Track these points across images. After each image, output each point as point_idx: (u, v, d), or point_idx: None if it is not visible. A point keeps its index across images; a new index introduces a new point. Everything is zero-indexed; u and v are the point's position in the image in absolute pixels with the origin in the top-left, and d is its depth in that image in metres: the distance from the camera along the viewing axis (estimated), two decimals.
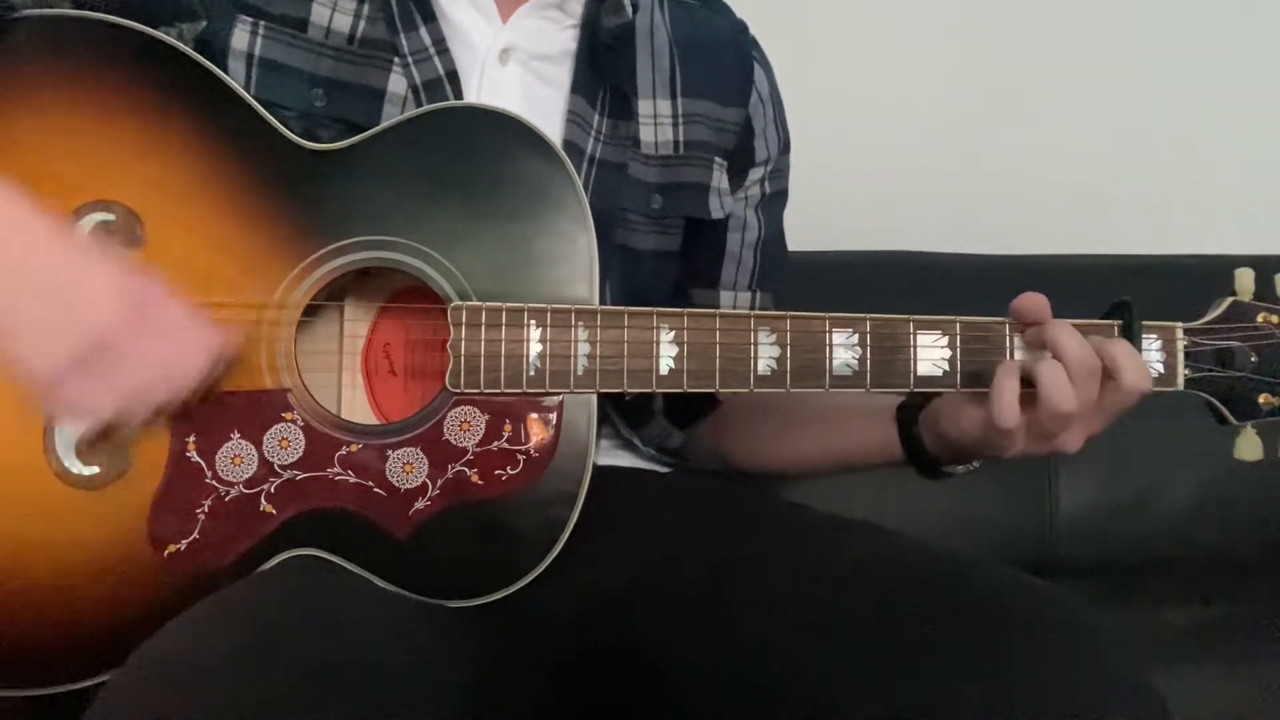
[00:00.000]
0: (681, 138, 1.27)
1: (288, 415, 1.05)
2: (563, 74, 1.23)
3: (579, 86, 1.22)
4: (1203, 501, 1.86)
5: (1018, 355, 1.11)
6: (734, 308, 1.37)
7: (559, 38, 1.24)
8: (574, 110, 1.21)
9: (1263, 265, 1.18)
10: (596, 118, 1.22)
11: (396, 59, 1.16)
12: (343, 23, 1.17)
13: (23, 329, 0.94)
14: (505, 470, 1.06)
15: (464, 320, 1.06)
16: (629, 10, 1.25)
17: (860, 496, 1.46)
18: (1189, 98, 2.18)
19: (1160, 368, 1.13)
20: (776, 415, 1.31)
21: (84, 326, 0.94)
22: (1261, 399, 1.14)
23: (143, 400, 0.98)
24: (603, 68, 1.24)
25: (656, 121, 1.26)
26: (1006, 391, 1.07)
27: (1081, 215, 2.15)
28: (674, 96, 1.28)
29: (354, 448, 1.05)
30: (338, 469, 1.05)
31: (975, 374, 1.10)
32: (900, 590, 1.00)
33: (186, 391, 1.00)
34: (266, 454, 1.05)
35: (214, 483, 1.04)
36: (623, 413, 1.28)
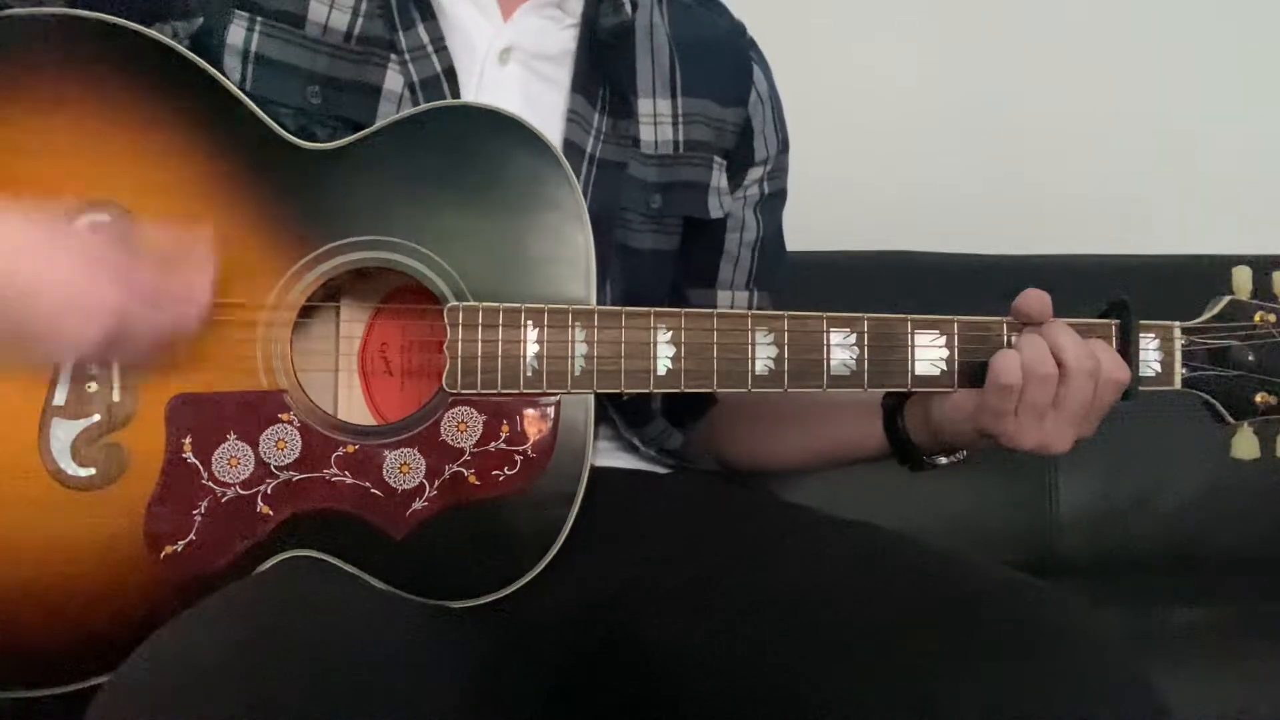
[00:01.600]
0: (681, 137, 1.27)
1: (284, 416, 1.05)
2: (563, 73, 1.23)
3: (579, 85, 1.22)
4: (1202, 501, 1.86)
5: None
6: (731, 307, 1.37)
7: (559, 37, 1.24)
8: (574, 109, 1.21)
9: (1261, 264, 1.18)
10: (596, 117, 1.22)
11: (393, 56, 1.16)
12: (340, 20, 1.16)
13: (34, 333, 0.96)
14: (503, 471, 1.06)
15: (461, 321, 1.06)
16: (628, 9, 1.25)
17: (860, 496, 1.46)
18: (1188, 98, 2.18)
19: (1157, 367, 1.13)
20: (767, 412, 1.31)
21: (88, 309, 0.95)
22: (1258, 398, 1.14)
23: (162, 342, 1.01)
24: (603, 67, 1.24)
25: (656, 121, 1.26)
26: (1007, 355, 1.08)
27: (1081, 215, 2.15)
28: (674, 96, 1.27)
29: (351, 448, 1.05)
30: (335, 470, 1.05)
31: (973, 373, 1.10)
32: (899, 591, 0.99)
33: (197, 317, 1.03)
34: (263, 455, 1.05)
35: (210, 484, 1.04)
36: (623, 413, 1.28)
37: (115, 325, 0.95)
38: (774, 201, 1.39)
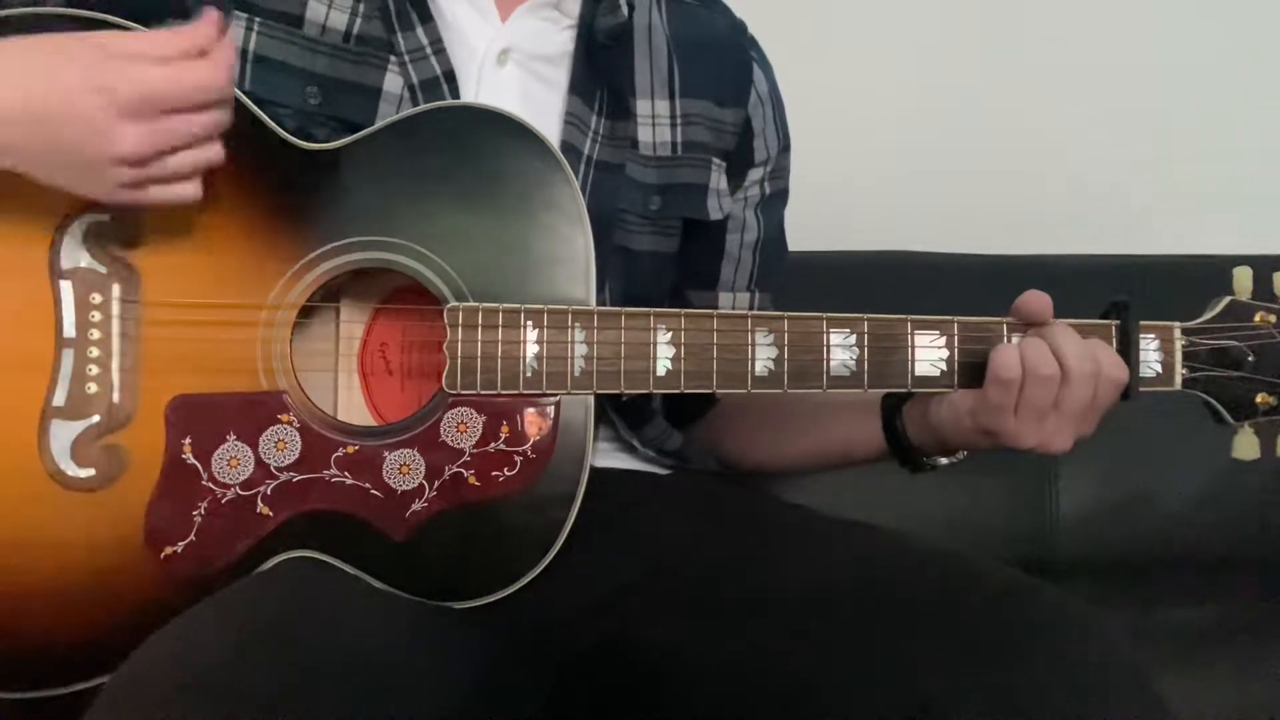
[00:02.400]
0: (680, 139, 1.27)
1: (284, 417, 1.05)
2: (560, 75, 1.23)
3: (577, 87, 1.22)
4: (1203, 501, 1.85)
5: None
6: (732, 308, 1.37)
7: (557, 39, 1.23)
8: (571, 111, 1.21)
9: (1261, 264, 1.18)
10: (594, 119, 1.22)
11: (393, 58, 1.16)
12: (339, 20, 1.16)
13: (61, 164, 0.98)
14: (502, 472, 1.06)
15: (460, 321, 1.06)
16: (624, 10, 1.25)
17: (860, 497, 1.46)
18: (1189, 97, 2.18)
19: (1158, 367, 1.13)
20: (767, 413, 1.31)
21: (100, 143, 0.96)
22: (1259, 398, 1.14)
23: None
24: (600, 68, 1.23)
25: (654, 122, 1.26)
26: (1007, 349, 1.08)
27: (1081, 215, 2.15)
28: (672, 97, 1.27)
29: (351, 449, 1.05)
30: (334, 471, 1.05)
31: (973, 373, 1.10)
32: (900, 591, 1.00)
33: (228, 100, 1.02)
34: (263, 456, 1.05)
35: (210, 485, 1.04)
36: (622, 414, 1.28)
37: (146, 102, 0.96)
38: (775, 202, 1.38)
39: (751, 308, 1.38)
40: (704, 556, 1.12)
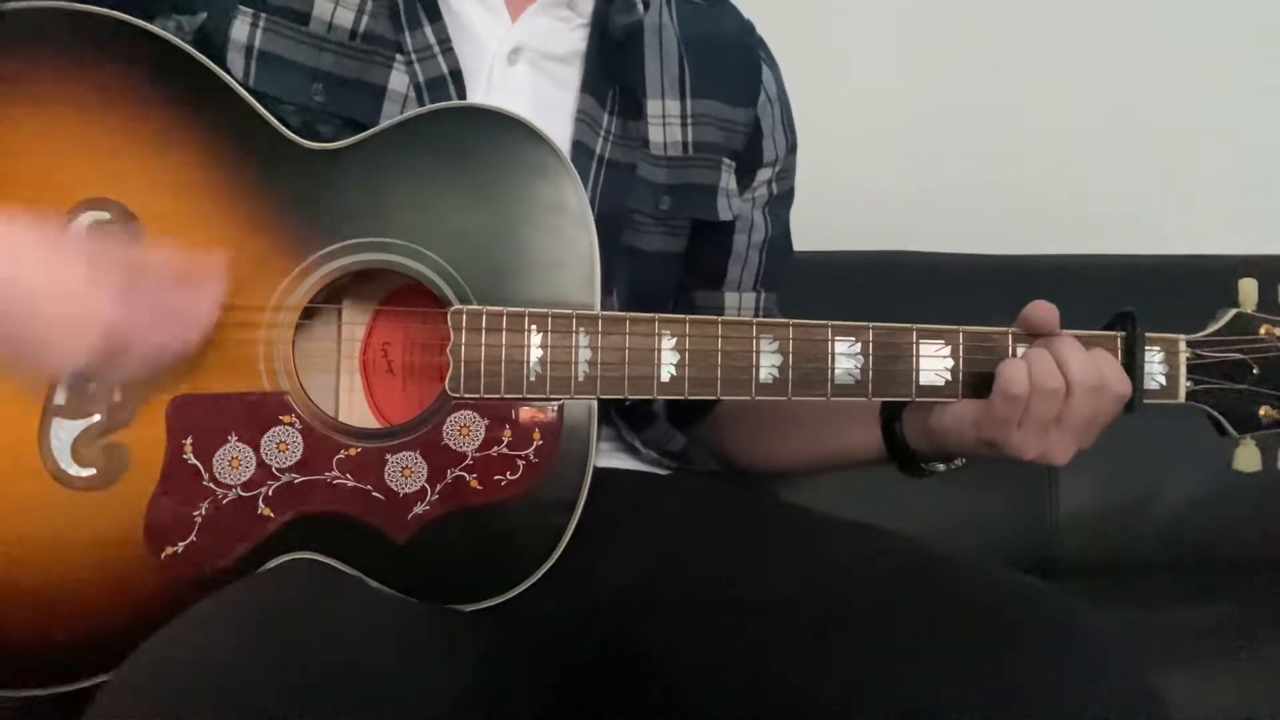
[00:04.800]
0: (690, 138, 1.26)
1: (285, 418, 1.05)
2: (572, 74, 1.22)
3: (589, 86, 1.21)
4: (1203, 501, 1.86)
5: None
6: (739, 308, 1.37)
7: (569, 37, 1.23)
8: (583, 110, 1.20)
9: (1262, 265, 1.18)
10: (606, 117, 1.21)
11: (399, 56, 1.15)
12: (345, 17, 1.16)
13: (32, 342, 0.95)
14: (505, 476, 1.05)
15: (464, 324, 1.05)
16: (640, 7, 1.24)
17: (860, 497, 1.46)
18: (1189, 97, 2.18)
19: (1162, 380, 1.13)
20: (767, 416, 1.30)
21: (87, 324, 0.94)
22: (1261, 411, 1.14)
23: (159, 360, 1.00)
24: (612, 67, 1.23)
25: (665, 122, 1.25)
26: (1015, 364, 1.08)
27: (1081, 215, 2.15)
28: (683, 97, 1.27)
29: (353, 451, 1.05)
30: (336, 473, 1.05)
31: (977, 383, 1.10)
32: (900, 591, 1.00)
33: (197, 339, 1.02)
34: (264, 457, 1.04)
35: (211, 485, 1.04)
36: (625, 415, 1.28)
37: (109, 343, 0.95)
38: (782, 202, 1.38)
39: (758, 307, 1.38)
40: (706, 558, 1.12)
